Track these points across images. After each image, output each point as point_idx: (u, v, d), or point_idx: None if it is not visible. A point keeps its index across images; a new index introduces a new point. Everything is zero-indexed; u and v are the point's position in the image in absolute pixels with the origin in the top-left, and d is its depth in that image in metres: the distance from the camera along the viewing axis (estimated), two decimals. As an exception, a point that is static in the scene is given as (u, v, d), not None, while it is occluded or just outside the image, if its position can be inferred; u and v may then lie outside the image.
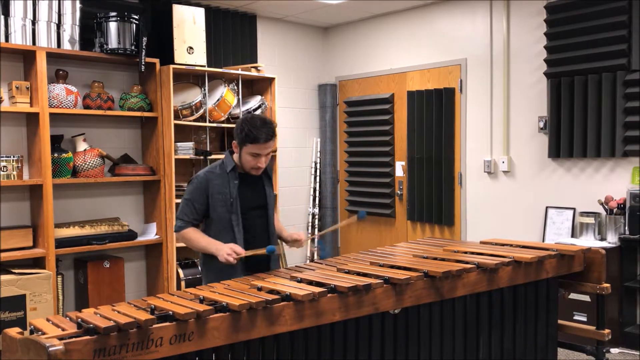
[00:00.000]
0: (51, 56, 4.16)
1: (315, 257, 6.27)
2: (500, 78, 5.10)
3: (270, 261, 2.95)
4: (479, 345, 2.77)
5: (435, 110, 5.48)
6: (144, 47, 4.38)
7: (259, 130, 2.76)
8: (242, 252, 2.73)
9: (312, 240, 6.26)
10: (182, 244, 4.62)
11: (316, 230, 6.29)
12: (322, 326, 2.24)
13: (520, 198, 5.00)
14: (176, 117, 4.62)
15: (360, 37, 6.20)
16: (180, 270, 4.63)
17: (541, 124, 4.83)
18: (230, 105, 4.91)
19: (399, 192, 5.88)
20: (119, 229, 4.48)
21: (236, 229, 2.84)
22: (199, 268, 3.08)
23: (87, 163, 4.31)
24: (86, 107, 4.34)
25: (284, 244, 3.20)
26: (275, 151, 5.28)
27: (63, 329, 1.84)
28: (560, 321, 3.16)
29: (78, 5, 4.30)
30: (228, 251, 2.70)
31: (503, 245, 3.19)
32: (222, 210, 2.85)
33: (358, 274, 2.50)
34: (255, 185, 2.96)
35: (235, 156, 2.90)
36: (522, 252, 2.91)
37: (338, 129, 6.45)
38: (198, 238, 2.85)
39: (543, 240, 4.78)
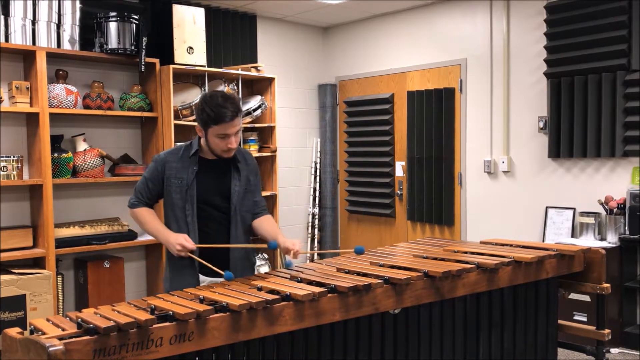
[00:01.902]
0: (51, 56, 4.16)
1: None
2: (500, 78, 5.10)
3: (230, 261, 2.66)
4: (479, 345, 2.77)
5: (435, 110, 5.48)
6: (144, 47, 4.38)
7: (222, 108, 2.48)
8: (192, 247, 2.53)
9: (312, 255, 6.25)
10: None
11: (316, 248, 6.26)
12: (322, 326, 2.24)
13: (520, 198, 5.00)
14: (176, 117, 4.62)
15: (360, 37, 6.20)
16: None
17: (541, 124, 4.83)
18: (230, 105, 4.90)
19: (399, 192, 5.88)
20: (119, 229, 4.48)
21: (189, 219, 2.61)
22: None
23: (87, 163, 4.31)
24: (86, 107, 4.34)
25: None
26: (275, 151, 5.29)
27: (63, 329, 1.84)
28: (560, 321, 3.16)
29: (78, 5, 4.30)
30: (178, 246, 2.51)
31: (503, 245, 3.19)
32: (176, 196, 2.62)
33: (358, 274, 2.49)
34: (219, 174, 2.67)
35: (202, 140, 2.62)
36: (522, 252, 2.91)
37: (338, 129, 6.45)
38: (148, 221, 2.66)
39: (543, 240, 4.78)
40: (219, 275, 2.53)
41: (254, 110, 5.10)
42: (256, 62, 5.71)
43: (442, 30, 5.50)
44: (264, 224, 2.78)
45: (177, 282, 2.66)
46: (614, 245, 4.29)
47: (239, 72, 5.01)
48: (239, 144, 2.85)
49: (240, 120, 2.56)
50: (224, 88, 4.90)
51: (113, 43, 4.31)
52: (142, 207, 2.72)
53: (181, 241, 2.53)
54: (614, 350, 4.18)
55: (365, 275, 2.46)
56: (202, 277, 2.70)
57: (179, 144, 2.71)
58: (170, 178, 2.64)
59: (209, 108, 2.51)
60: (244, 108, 5.06)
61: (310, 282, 2.36)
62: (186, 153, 2.67)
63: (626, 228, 4.30)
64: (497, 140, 5.14)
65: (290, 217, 6.12)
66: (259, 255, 5.20)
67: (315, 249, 6.32)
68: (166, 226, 2.69)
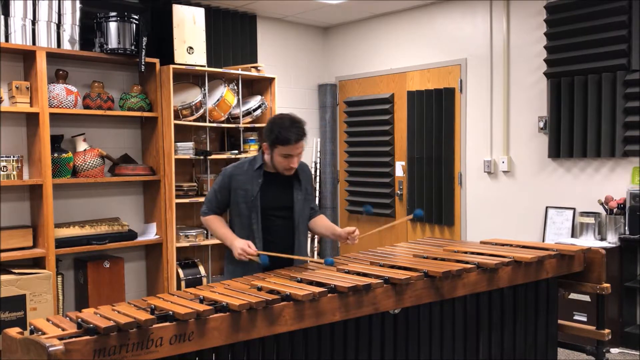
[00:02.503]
0: (51, 56, 4.16)
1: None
2: (500, 78, 5.10)
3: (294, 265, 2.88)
4: (479, 345, 2.77)
5: (435, 110, 5.48)
6: (144, 47, 4.38)
7: (289, 131, 2.71)
8: (254, 253, 2.71)
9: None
10: (182, 244, 4.63)
11: (316, 241, 6.27)
12: (322, 326, 2.24)
13: (520, 198, 5.00)
14: (176, 117, 4.62)
15: (360, 37, 6.20)
16: (180, 270, 4.63)
17: (541, 124, 4.83)
18: (230, 105, 4.91)
19: (399, 192, 5.88)
20: (119, 229, 4.48)
21: (255, 227, 2.82)
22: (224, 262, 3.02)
23: (87, 163, 4.31)
24: (86, 107, 4.34)
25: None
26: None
27: (63, 329, 1.84)
28: (560, 321, 3.16)
29: (78, 5, 4.30)
30: (239, 250, 2.71)
31: (503, 245, 3.19)
32: (243, 206, 2.84)
33: (358, 274, 2.50)
34: (282, 187, 2.89)
35: (267, 156, 2.85)
36: (522, 252, 2.91)
37: (338, 129, 6.45)
38: (218, 227, 2.89)
39: (543, 240, 4.78)
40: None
41: (254, 110, 5.10)
42: (256, 62, 5.70)
43: (442, 30, 5.50)
44: (318, 222, 3.03)
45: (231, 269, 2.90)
46: (614, 245, 4.29)
47: (239, 72, 5.01)
48: None
49: (304, 143, 2.79)
50: (224, 88, 4.90)
51: (113, 43, 4.31)
52: (212, 214, 2.96)
53: (244, 246, 2.72)
54: (614, 350, 4.18)
55: (365, 275, 2.46)
56: None
57: (245, 158, 2.94)
58: (237, 190, 2.86)
59: (278, 129, 2.73)
60: (244, 108, 5.06)
61: (310, 282, 2.36)
62: (251, 167, 2.89)
63: (626, 228, 4.30)
64: (497, 140, 5.14)
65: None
66: None
67: (315, 249, 6.32)
68: (233, 232, 2.89)
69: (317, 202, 6.37)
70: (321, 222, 3.03)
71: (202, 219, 3.01)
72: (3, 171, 3.93)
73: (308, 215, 3.01)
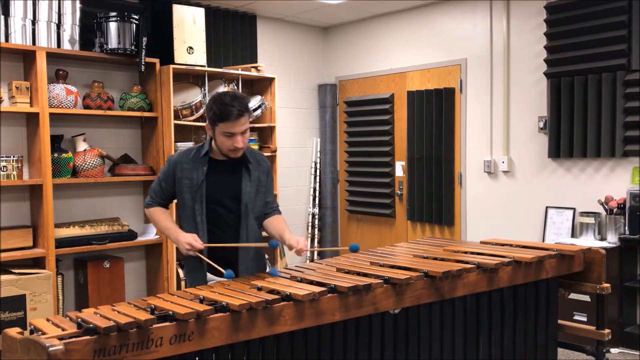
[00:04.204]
0: (51, 56, 4.16)
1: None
2: (500, 78, 5.10)
3: (239, 261, 2.69)
4: (479, 345, 2.77)
5: (435, 110, 5.48)
6: (144, 47, 4.38)
7: (229, 106, 2.51)
8: (200, 246, 2.55)
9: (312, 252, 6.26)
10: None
11: (316, 246, 6.27)
12: (322, 326, 2.24)
13: (520, 198, 5.00)
14: (176, 117, 4.62)
15: (360, 37, 6.20)
16: (180, 270, 4.63)
17: (541, 124, 4.83)
18: (230, 105, 4.91)
19: (399, 192, 5.88)
20: (119, 229, 4.48)
21: (199, 219, 2.65)
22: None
23: (87, 163, 4.31)
24: (86, 107, 4.34)
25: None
26: (275, 151, 5.29)
27: (63, 329, 1.84)
28: (560, 321, 3.16)
29: (78, 5, 4.30)
30: (186, 245, 2.55)
31: (503, 245, 3.19)
32: (187, 196, 2.67)
33: (358, 274, 2.50)
34: (230, 175, 2.70)
35: (213, 141, 2.67)
36: (522, 252, 2.91)
37: (338, 129, 6.45)
38: (161, 220, 2.73)
39: (543, 240, 4.78)
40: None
41: (254, 110, 5.11)
42: (256, 62, 5.71)
43: (442, 30, 5.50)
44: (272, 222, 2.79)
45: (190, 281, 2.77)
46: (614, 245, 4.29)
47: (239, 72, 5.01)
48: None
49: (247, 119, 2.58)
50: (224, 88, 4.90)
51: (113, 43, 4.31)
52: (157, 206, 2.79)
53: (190, 240, 2.57)
54: (614, 350, 4.18)
55: (365, 275, 2.46)
56: (209, 276, 2.72)
57: (191, 145, 2.74)
58: (182, 179, 2.69)
59: (216, 106, 2.55)
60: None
61: (310, 282, 2.36)
62: (197, 154, 2.71)
63: (626, 228, 4.30)
64: (497, 140, 5.14)
65: (290, 217, 6.12)
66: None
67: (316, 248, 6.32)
68: (179, 226, 2.74)
69: (315, 201, 6.36)
70: (273, 223, 2.77)
71: (145, 210, 2.82)
72: (3, 171, 3.93)
73: (260, 209, 2.77)
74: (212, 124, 2.60)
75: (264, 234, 2.85)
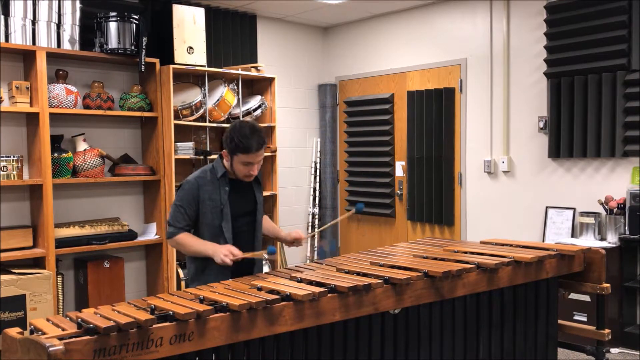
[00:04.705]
0: (51, 56, 4.16)
1: (316, 255, 6.25)
2: (500, 78, 5.10)
3: (254, 266, 2.93)
4: (479, 345, 2.77)
5: (435, 110, 5.48)
6: (144, 47, 4.38)
7: (249, 139, 2.70)
8: (239, 254, 2.70)
9: (312, 237, 6.26)
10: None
11: (316, 228, 6.29)
12: (322, 326, 2.24)
13: (520, 198, 5.00)
14: (176, 117, 4.62)
15: (360, 37, 6.20)
16: (180, 270, 4.63)
17: (541, 124, 4.83)
18: (230, 105, 4.91)
19: (399, 192, 5.88)
20: (119, 229, 4.48)
21: (226, 235, 2.81)
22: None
23: (87, 163, 4.31)
24: (86, 107, 4.34)
25: (283, 244, 3.18)
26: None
27: (63, 329, 1.84)
28: (560, 321, 3.16)
29: (78, 5, 4.30)
30: (225, 252, 2.67)
31: (503, 245, 3.19)
32: (211, 216, 2.81)
33: (358, 274, 2.50)
34: (245, 192, 2.92)
35: (226, 162, 2.84)
36: (522, 252, 2.91)
37: (338, 129, 6.45)
38: (192, 242, 2.80)
39: (543, 240, 4.78)
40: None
41: (254, 110, 5.10)
42: (256, 62, 5.71)
43: (442, 30, 5.50)
44: (264, 224, 3.09)
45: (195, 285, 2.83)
46: (614, 245, 4.29)
47: (239, 72, 5.01)
48: None
49: (263, 151, 2.80)
50: (224, 88, 4.90)
51: (113, 43, 4.31)
52: (182, 233, 2.82)
53: (230, 249, 2.70)
54: (614, 350, 4.18)
55: (365, 275, 2.46)
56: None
57: (202, 168, 2.92)
58: (205, 200, 2.82)
59: (238, 138, 2.72)
60: (244, 108, 5.06)
61: (310, 282, 2.36)
62: (214, 175, 2.85)
63: (626, 228, 4.30)
64: (497, 140, 5.14)
65: (290, 217, 6.12)
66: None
67: (316, 248, 6.32)
68: None
69: (315, 202, 6.37)
70: (266, 224, 3.09)
71: (170, 241, 2.84)
72: (3, 171, 3.93)
73: None
74: (231, 153, 2.77)
75: None
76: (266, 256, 2.77)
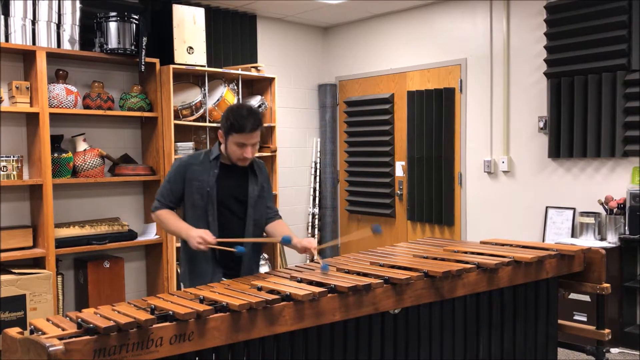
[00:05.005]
0: (51, 56, 4.16)
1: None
2: (500, 78, 5.10)
3: (242, 262, 2.83)
4: (479, 345, 2.77)
5: (435, 110, 5.48)
6: (144, 47, 4.38)
7: (245, 119, 2.67)
8: (213, 241, 2.63)
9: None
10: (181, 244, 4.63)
11: (316, 230, 6.28)
12: (322, 326, 2.24)
13: (520, 198, 5.00)
14: (176, 117, 4.62)
15: (360, 37, 6.20)
16: (180, 270, 4.63)
17: (541, 124, 4.83)
18: (230, 105, 4.91)
19: (399, 192, 5.88)
20: (119, 229, 4.48)
21: (210, 219, 2.76)
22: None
23: (87, 163, 4.31)
24: (86, 107, 4.34)
25: (283, 246, 3.12)
26: (275, 151, 5.29)
27: (63, 329, 1.84)
28: (560, 321, 3.16)
29: (78, 5, 4.30)
30: (198, 239, 2.61)
31: (503, 245, 3.19)
32: (197, 197, 2.78)
33: (358, 274, 2.50)
34: (237, 179, 2.84)
35: (222, 146, 2.81)
36: (522, 252, 2.91)
37: (338, 129, 6.45)
38: (171, 220, 2.78)
39: (543, 240, 4.78)
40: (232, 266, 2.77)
41: (254, 110, 5.10)
42: (256, 62, 5.71)
43: (442, 30, 5.50)
44: (276, 227, 2.97)
45: (195, 279, 2.82)
46: (614, 245, 4.29)
47: (239, 72, 5.01)
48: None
49: (258, 133, 2.75)
50: (224, 88, 4.90)
51: (113, 43, 4.31)
52: (165, 209, 2.84)
53: (202, 234, 2.64)
54: (614, 350, 4.18)
55: (365, 275, 2.46)
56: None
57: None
58: (192, 180, 2.79)
59: (234, 117, 2.69)
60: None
61: (310, 282, 2.36)
62: (207, 157, 2.83)
63: (626, 228, 4.30)
64: (497, 140, 5.14)
65: (290, 217, 6.12)
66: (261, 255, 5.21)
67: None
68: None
69: (315, 202, 6.37)
70: (278, 228, 2.95)
71: (153, 215, 2.87)
72: (3, 171, 3.93)
73: (261, 213, 2.93)
74: (226, 132, 2.73)
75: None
76: (236, 252, 2.65)
